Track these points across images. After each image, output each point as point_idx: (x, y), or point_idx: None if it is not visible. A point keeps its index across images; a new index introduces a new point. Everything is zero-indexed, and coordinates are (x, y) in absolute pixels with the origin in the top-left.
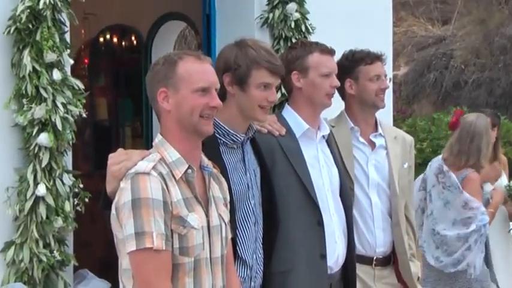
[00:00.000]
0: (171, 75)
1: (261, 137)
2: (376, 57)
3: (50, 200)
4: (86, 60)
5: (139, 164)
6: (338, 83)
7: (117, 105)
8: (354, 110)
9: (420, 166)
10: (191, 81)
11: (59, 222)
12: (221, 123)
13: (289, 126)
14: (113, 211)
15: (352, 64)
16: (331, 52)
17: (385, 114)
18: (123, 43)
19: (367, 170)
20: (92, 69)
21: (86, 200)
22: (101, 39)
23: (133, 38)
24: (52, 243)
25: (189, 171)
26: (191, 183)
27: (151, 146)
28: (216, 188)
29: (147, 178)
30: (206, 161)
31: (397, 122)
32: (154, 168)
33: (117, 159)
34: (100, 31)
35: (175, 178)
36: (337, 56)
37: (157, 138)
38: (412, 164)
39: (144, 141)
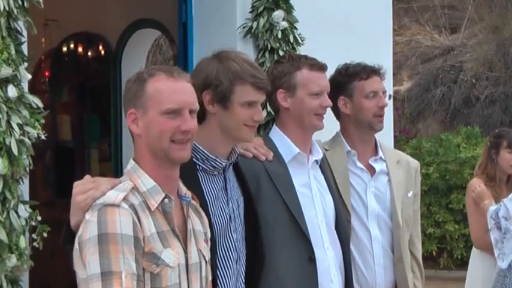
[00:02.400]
0: (140, 95)
1: (245, 162)
2: (373, 71)
3: (3, 235)
4: (47, 73)
5: (108, 194)
6: (329, 103)
7: (82, 123)
8: (350, 131)
9: (426, 194)
10: (159, 102)
11: (12, 260)
12: (200, 147)
13: (277, 149)
14: (76, 246)
15: (346, 80)
16: (322, 68)
17: (385, 135)
18: (89, 53)
19: (366, 199)
20: (53, 83)
21: (45, 234)
22: (64, 49)
23: (100, 47)
24: (4, 284)
25: (166, 200)
26: (168, 215)
27: (121, 171)
28: (196, 220)
29: (117, 211)
30: (184, 190)
31: (400, 144)
32: (125, 199)
33: (83, 188)
34: (63, 40)
35: (150, 209)
36: (331, 71)
37: (130, 164)
38: (417, 192)
39: (113, 166)
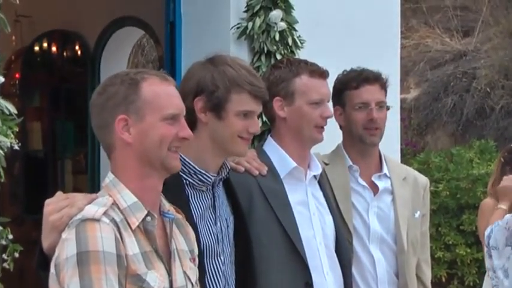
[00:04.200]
0: (133, 99)
1: (237, 177)
2: (365, 80)
3: None
4: (17, 75)
5: (87, 208)
6: (331, 114)
7: (55, 131)
8: (349, 144)
9: (435, 214)
10: (160, 107)
11: None
12: (187, 160)
13: (272, 163)
14: (52, 270)
15: (341, 87)
16: (323, 74)
17: (390, 148)
18: (65, 53)
19: (368, 219)
20: (24, 86)
21: (16, 254)
22: (36, 48)
23: (77, 47)
24: None
25: (148, 218)
26: (151, 234)
27: (98, 185)
28: (181, 239)
29: (97, 226)
30: (167, 206)
31: (406, 158)
32: (105, 213)
33: (56, 206)
34: (35, 38)
35: (131, 227)
36: (332, 78)
37: (108, 178)
38: (426, 212)
39: (89, 179)
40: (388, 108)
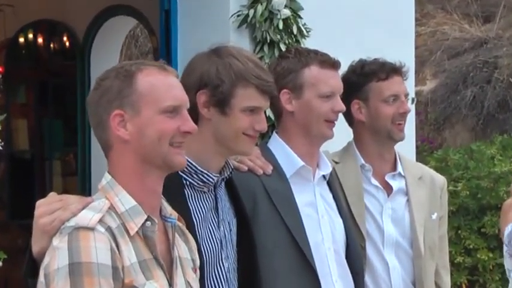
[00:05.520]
0: (128, 93)
1: (240, 177)
2: (393, 70)
3: None
4: (0, 69)
5: (80, 214)
6: (343, 107)
7: (42, 130)
8: (364, 141)
9: (454, 216)
10: (157, 99)
11: None
12: (188, 158)
13: (278, 162)
14: (41, 278)
15: (361, 80)
16: (334, 65)
17: (406, 145)
18: (52, 45)
19: (382, 222)
20: (8, 81)
21: (0, 263)
22: (21, 40)
23: (65, 38)
24: None
25: (148, 223)
26: (151, 240)
27: (89, 187)
28: (183, 246)
29: (91, 235)
30: (169, 210)
31: (422, 155)
32: (101, 221)
33: (48, 209)
34: (20, 29)
35: (128, 233)
36: (343, 68)
37: (105, 179)
38: (443, 214)
39: (80, 181)
40: (413, 100)
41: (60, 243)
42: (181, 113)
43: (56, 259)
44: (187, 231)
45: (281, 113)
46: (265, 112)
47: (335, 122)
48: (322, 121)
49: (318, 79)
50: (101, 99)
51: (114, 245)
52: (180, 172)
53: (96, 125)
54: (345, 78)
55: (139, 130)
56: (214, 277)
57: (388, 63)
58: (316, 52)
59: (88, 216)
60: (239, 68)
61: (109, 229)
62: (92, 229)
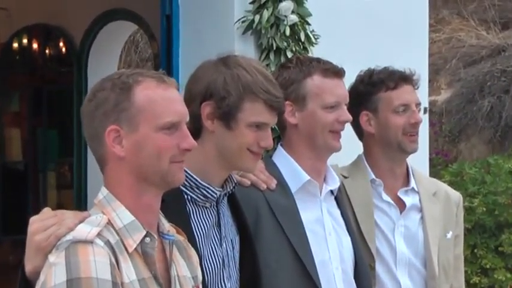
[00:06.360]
0: (124, 107)
1: (242, 192)
2: (403, 79)
3: None
4: None
5: (78, 228)
6: (349, 117)
7: (36, 140)
8: (374, 155)
9: (470, 233)
10: (155, 115)
11: None
12: (189, 172)
13: (282, 176)
14: None
15: (369, 89)
16: (338, 73)
17: (418, 158)
18: (47, 51)
19: (394, 241)
20: (1, 88)
21: None
22: (15, 45)
23: (61, 43)
24: None
25: (147, 239)
26: (150, 257)
27: (85, 201)
28: (182, 263)
29: (90, 249)
30: (167, 226)
31: (436, 169)
32: (99, 234)
33: (43, 225)
34: (14, 33)
35: (127, 250)
36: (352, 77)
37: (102, 193)
38: (459, 232)
39: (75, 194)
40: (425, 110)
41: (57, 259)
42: (180, 128)
43: (52, 276)
44: (189, 245)
45: (285, 125)
46: None
47: (341, 132)
48: (327, 132)
49: (321, 89)
50: (96, 111)
51: (113, 259)
52: (181, 186)
53: (91, 137)
54: (353, 89)
55: (136, 147)
56: None
57: (397, 71)
58: (318, 60)
59: (86, 229)
60: (248, 81)
61: (108, 243)
62: (90, 242)
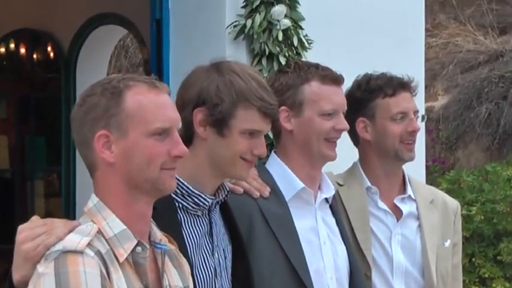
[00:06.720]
0: (114, 112)
1: (235, 200)
2: (401, 86)
3: None
4: None
5: (68, 238)
6: (346, 126)
7: (24, 147)
8: (370, 162)
9: (468, 242)
10: (145, 120)
11: None
12: (180, 179)
13: (276, 184)
14: None
15: (367, 96)
16: (337, 80)
17: (415, 166)
18: (35, 56)
19: (391, 249)
20: None
21: None
22: (2, 50)
23: (49, 48)
24: None
25: (139, 249)
26: (142, 268)
27: (74, 209)
28: (174, 273)
29: (80, 260)
30: (159, 235)
31: (433, 176)
32: (90, 244)
33: (31, 233)
34: (1, 38)
35: (118, 260)
36: (347, 84)
37: (92, 201)
38: (457, 241)
39: (64, 202)
40: (423, 118)
41: (45, 269)
42: (171, 135)
43: (41, 287)
44: (180, 254)
45: (279, 132)
46: None
47: (336, 141)
48: (322, 140)
49: (319, 96)
50: (85, 117)
51: (104, 270)
52: (172, 194)
53: (81, 143)
54: (350, 94)
55: (126, 153)
56: None
57: (395, 78)
58: (317, 66)
59: (76, 239)
60: (241, 87)
61: (99, 253)
62: (80, 253)
